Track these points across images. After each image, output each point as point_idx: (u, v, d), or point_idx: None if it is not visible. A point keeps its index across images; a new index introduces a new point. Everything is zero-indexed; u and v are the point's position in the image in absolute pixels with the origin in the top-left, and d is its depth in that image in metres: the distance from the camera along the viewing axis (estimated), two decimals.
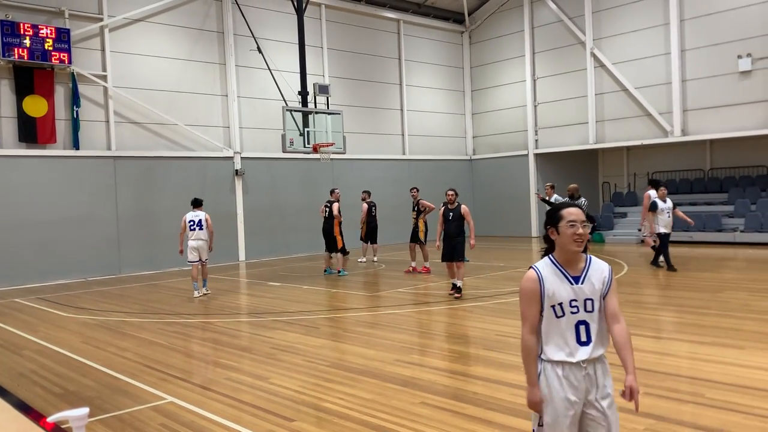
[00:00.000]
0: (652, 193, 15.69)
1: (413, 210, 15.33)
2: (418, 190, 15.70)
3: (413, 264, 15.07)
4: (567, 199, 13.04)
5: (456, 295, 11.14)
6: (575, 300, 3.06)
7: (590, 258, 3.15)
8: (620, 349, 3.07)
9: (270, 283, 14.42)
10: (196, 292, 12.59)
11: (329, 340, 8.50)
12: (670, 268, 13.44)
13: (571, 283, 3.07)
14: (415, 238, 15.23)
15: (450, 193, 11.49)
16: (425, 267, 14.93)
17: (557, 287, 3.07)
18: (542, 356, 3.12)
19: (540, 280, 3.08)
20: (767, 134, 18.63)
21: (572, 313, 3.05)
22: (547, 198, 14.86)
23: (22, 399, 6.10)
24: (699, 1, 19.61)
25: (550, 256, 3.17)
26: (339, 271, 15.12)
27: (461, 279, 11.34)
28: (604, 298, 3.09)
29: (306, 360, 7.31)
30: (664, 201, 13.69)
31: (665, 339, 7.61)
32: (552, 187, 15.20)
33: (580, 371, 3.04)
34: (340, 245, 15.08)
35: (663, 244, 13.62)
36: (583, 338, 3.05)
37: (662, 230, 13.57)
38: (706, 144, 21.88)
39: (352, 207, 18.50)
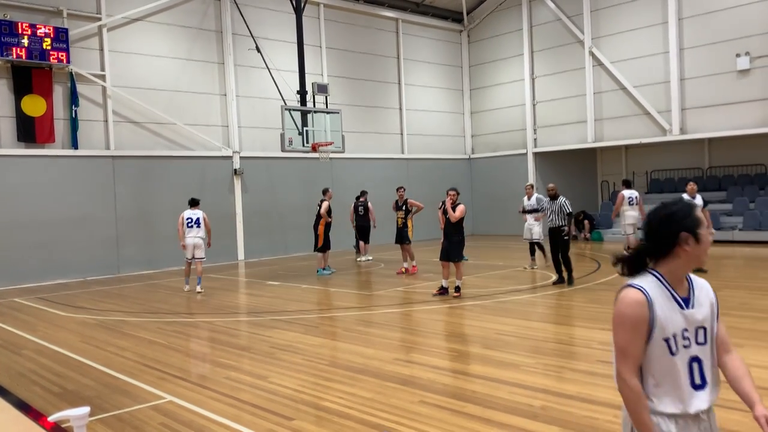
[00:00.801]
0: (626, 192, 15.72)
1: (400, 209, 15.05)
2: (405, 189, 15.59)
3: (405, 265, 14.79)
4: (548, 199, 12.24)
5: (455, 294, 11.16)
6: (687, 330, 2.37)
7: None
8: (739, 380, 2.44)
9: (269, 282, 14.42)
10: (186, 287, 13.29)
11: (328, 339, 8.51)
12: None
13: (681, 308, 2.38)
14: (403, 238, 14.84)
15: (452, 192, 11.47)
16: (414, 266, 14.83)
17: (669, 314, 2.36)
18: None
19: (650, 303, 2.34)
20: (765, 133, 18.64)
21: (684, 347, 2.37)
22: (526, 199, 14.77)
23: (21, 398, 6.10)
24: None
25: (654, 271, 2.42)
26: (317, 270, 15.22)
27: (460, 278, 11.35)
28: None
29: (305, 359, 7.32)
30: (693, 198, 12.62)
31: None
32: (531, 187, 14.96)
33: (696, 425, 2.37)
34: (320, 244, 15.16)
35: None
36: (698, 380, 2.37)
37: None
38: (705, 142, 21.90)
39: (349, 207, 18.48)
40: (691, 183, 13.24)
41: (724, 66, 19.09)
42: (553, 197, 12.07)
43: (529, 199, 14.91)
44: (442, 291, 11.37)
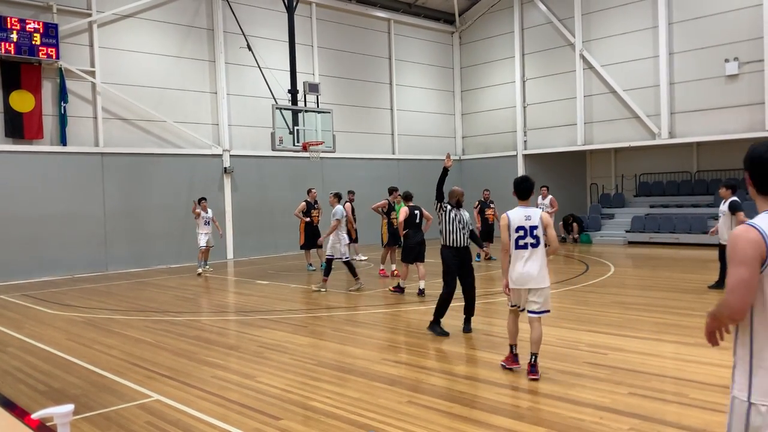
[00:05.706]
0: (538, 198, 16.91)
1: (394, 210, 14.56)
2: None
3: (383, 267, 14.42)
4: (454, 209, 8.41)
5: (392, 288, 12.09)
6: None
7: None
8: None
9: (258, 281, 14.39)
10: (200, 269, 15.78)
11: (316, 339, 8.50)
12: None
13: None
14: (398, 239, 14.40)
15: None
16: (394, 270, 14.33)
17: None
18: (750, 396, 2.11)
19: None
20: (753, 137, 18.78)
21: None
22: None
23: (6, 396, 6.05)
24: (687, 4, 19.78)
25: None
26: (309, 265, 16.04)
27: (403, 279, 12.02)
28: None
29: (293, 358, 7.31)
30: (725, 202, 10.86)
31: (650, 339, 7.67)
32: (336, 196, 12.86)
33: None
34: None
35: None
36: None
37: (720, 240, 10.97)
38: (693, 146, 22.06)
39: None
40: (722, 188, 10.91)
41: (713, 71, 19.24)
42: (458, 205, 8.48)
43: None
44: (419, 292, 11.64)
